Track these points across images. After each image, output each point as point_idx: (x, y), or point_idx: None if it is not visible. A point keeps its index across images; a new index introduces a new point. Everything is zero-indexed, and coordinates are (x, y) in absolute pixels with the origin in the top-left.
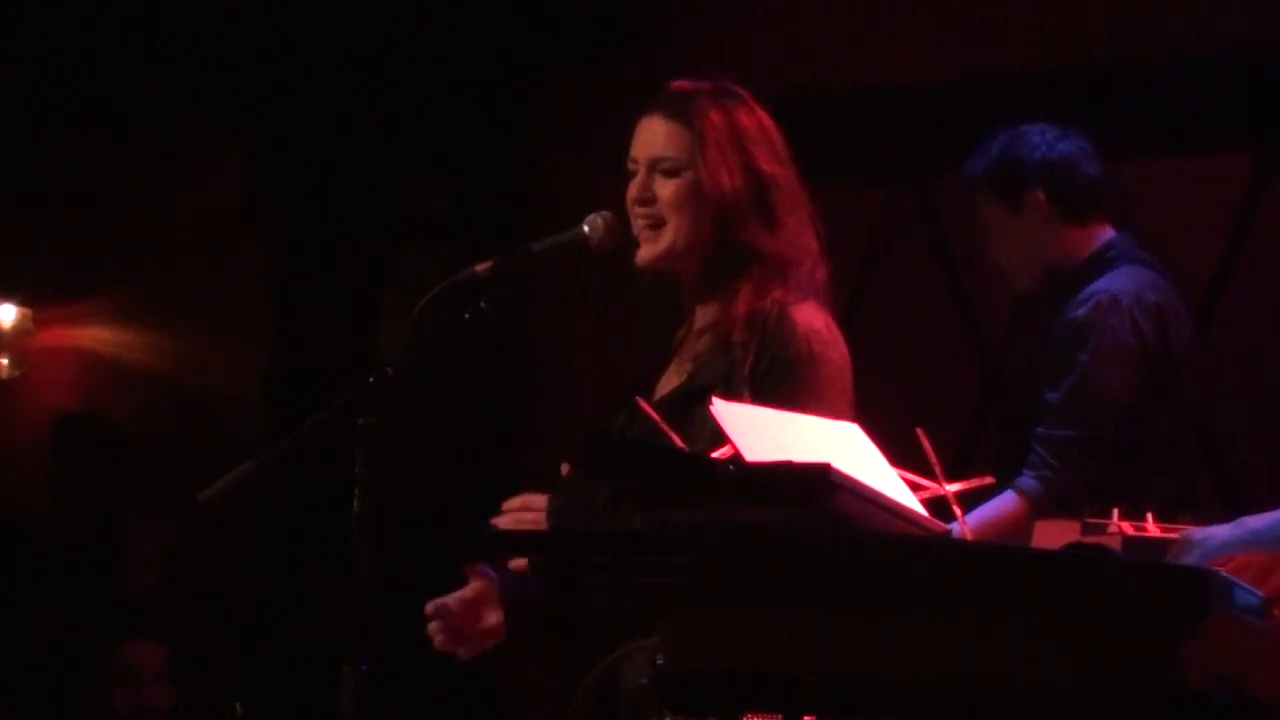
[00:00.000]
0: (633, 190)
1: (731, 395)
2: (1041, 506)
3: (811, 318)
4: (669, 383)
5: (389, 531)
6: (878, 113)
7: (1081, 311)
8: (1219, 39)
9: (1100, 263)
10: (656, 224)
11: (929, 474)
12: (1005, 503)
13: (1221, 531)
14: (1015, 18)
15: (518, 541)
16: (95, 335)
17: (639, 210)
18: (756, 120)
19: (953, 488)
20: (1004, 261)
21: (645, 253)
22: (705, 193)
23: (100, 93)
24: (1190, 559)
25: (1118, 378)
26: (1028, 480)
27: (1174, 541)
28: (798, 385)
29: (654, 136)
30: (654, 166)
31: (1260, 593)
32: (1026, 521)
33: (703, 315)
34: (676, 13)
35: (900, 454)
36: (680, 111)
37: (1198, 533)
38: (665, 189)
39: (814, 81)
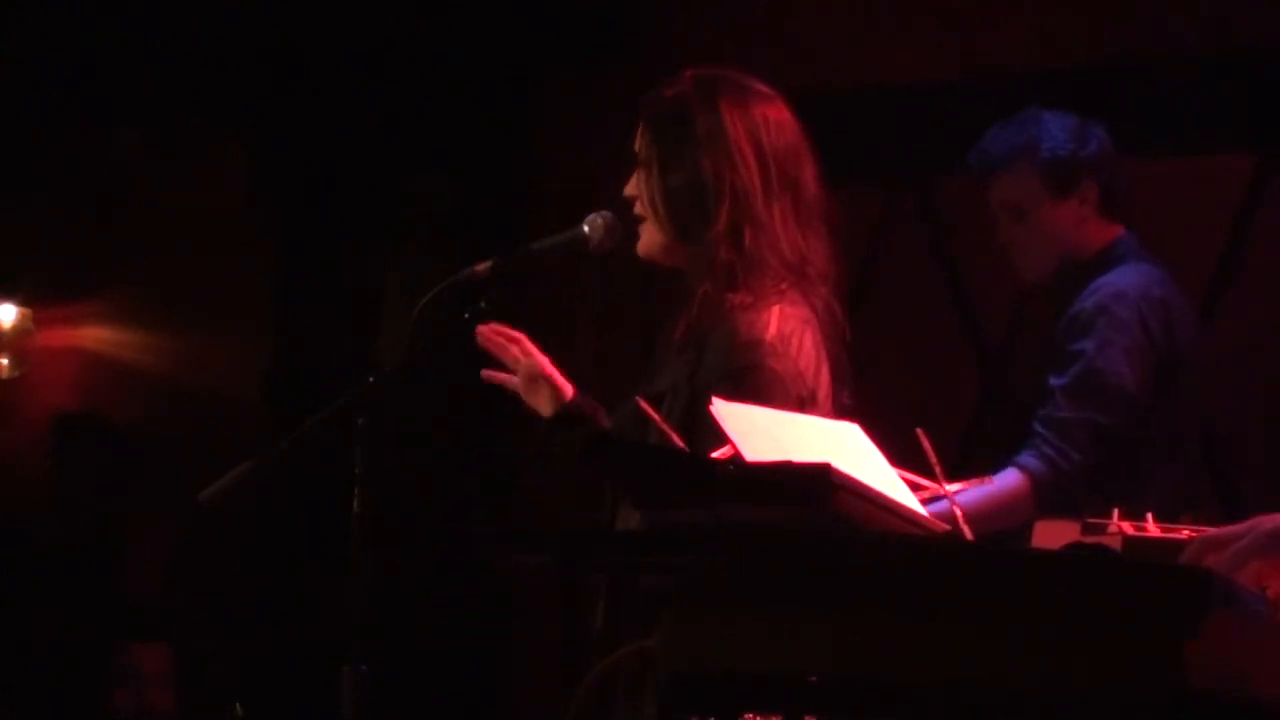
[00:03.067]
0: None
1: (678, 401)
2: (1043, 486)
3: (762, 327)
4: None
5: (389, 531)
6: (878, 113)
7: (1088, 304)
8: (1219, 39)
9: (1109, 258)
10: (641, 223)
11: (929, 474)
12: (1006, 480)
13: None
14: (1015, 18)
15: (520, 540)
16: (95, 335)
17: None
18: (714, 120)
19: (953, 488)
20: (1023, 248)
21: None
22: (648, 190)
23: (100, 93)
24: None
25: (1123, 365)
26: (1029, 458)
27: (1183, 542)
28: (731, 396)
29: (638, 136)
30: (637, 166)
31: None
32: (1028, 500)
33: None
34: (676, 13)
35: (900, 454)
36: (644, 112)
37: (1214, 535)
38: (642, 189)
39: (814, 81)
